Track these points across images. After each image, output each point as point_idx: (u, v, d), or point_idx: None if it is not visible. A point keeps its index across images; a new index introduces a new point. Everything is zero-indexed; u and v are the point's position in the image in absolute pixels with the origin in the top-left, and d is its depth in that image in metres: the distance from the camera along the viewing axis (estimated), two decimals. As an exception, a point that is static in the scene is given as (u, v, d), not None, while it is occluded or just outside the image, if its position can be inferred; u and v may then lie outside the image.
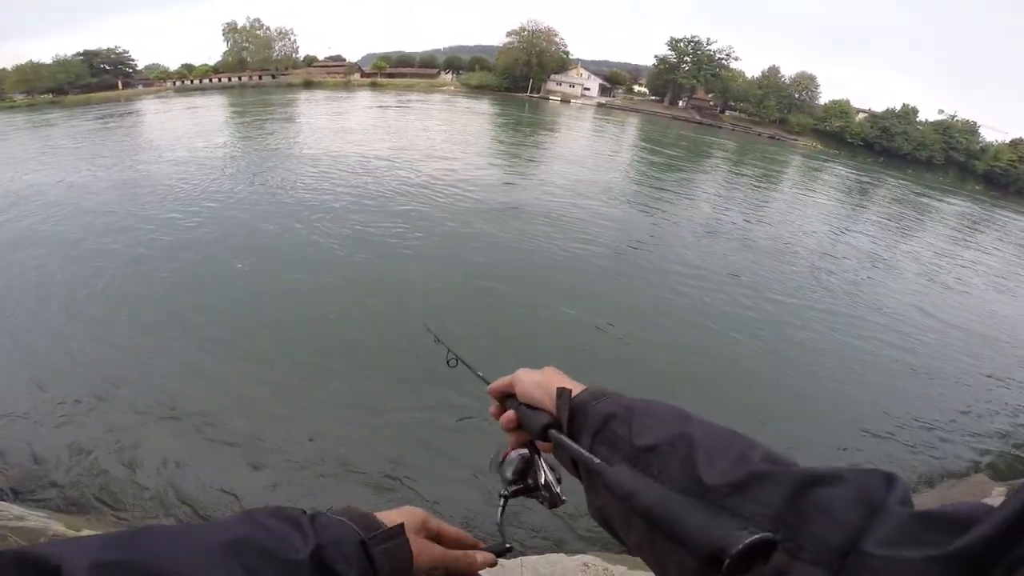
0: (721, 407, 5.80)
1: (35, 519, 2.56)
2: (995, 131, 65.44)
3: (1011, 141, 61.30)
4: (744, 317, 8.29)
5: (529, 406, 0.70)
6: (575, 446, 0.59)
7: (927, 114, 63.67)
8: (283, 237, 10.02)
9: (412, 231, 10.33)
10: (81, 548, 0.37)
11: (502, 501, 0.73)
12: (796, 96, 65.63)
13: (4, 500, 3.49)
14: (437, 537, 0.64)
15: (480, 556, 0.65)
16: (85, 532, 2.35)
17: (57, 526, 2.46)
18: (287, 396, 5.43)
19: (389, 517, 0.58)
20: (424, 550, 0.59)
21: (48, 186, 13.84)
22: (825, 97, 66.32)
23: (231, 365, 5.98)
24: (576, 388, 0.66)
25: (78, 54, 56.63)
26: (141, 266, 8.55)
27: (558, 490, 0.69)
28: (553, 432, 0.63)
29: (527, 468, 0.72)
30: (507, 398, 0.75)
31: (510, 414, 0.72)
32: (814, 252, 12.80)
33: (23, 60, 51.93)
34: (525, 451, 0.73)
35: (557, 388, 0.66)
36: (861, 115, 65.31)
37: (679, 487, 0.48)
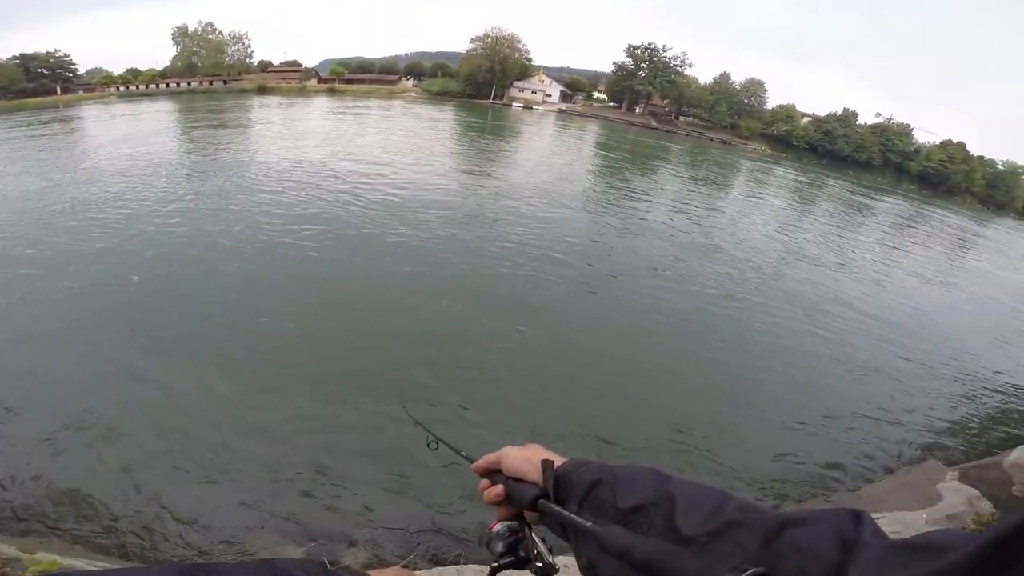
0: (665, 414, 6.02)
1: None
2: (927, 133, 70.14)
3: (941, 142, 65.97)
4: (691, 321, 8.56)
5: (516, 479, 0.74)
6: (566, 513, 0.63)
7: (866, 117, 67.50)
8: (194, 251, 9.63)
9: (350, 253, 10.03)
10: None
11: (490, 573, 0.75)
12: (746, 101, 68.52)
13: None
14: None
15: None
16: (40, 555, 2.43)
17: (9, 549, 2.47)
18: (244, 429, 5.23)
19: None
20: None
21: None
22: (773, 102, 69.55)
23: (181, 386, 5.78)
24: (558, 460, 0.73)
25: (13, 58, 53.40)
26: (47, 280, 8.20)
27: (551, 559, 0.70)
28: (543, 502, 0.68)
29: (517, 541, 0.74)
30: (493, 473, 0.79)
31: (498, 489, 0.75)
32: (755, 253, 13.42)
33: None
34: (513, 523, 0.75)
35: (542, 461, 0.72)
36: (806, 119, 68.77)
37: (663, 540, 0.52)
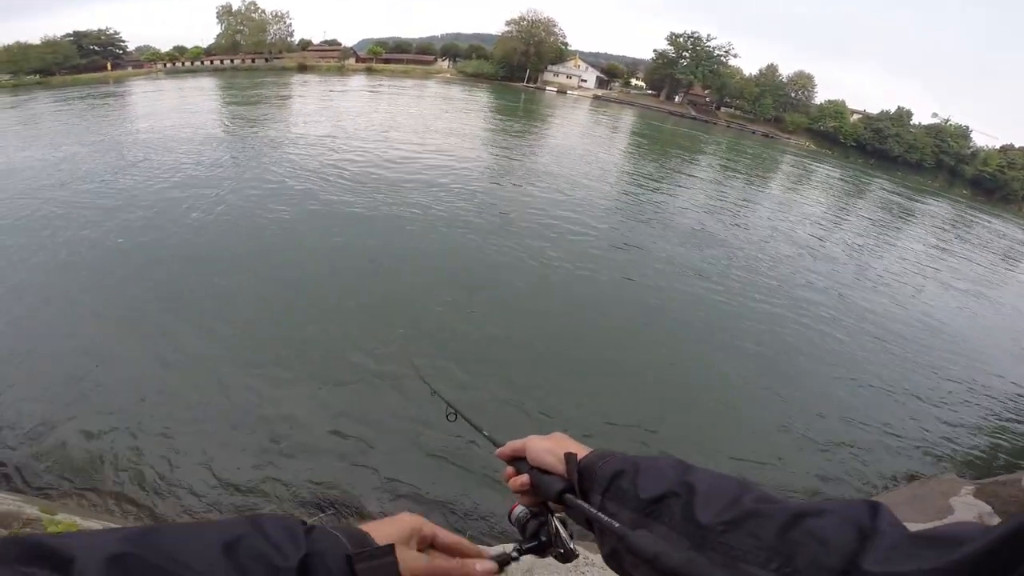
0: (680, 408, 6.00)
1: (9, 503, 2.67)
2: (987, 136, 65.85)
3: (1001, 147, 61.81)
4: (721, 322, 8.35)
5: (541, 470, 0.75)
6: (593, 511, 0.63)
7: (921, 117, 63.75)
8: (228, 224, 9.97)
9: (390, 228, 10.28)
10: (96, 541, 0.39)
11: (515, 554, 0.73)
12: (792, 95, 65.65)
13: None
14: (432, 545, 0.64)
15: (480, 565, 0.62)
16: (60, 516, 2.51)
17: (32, 510, 2.58)
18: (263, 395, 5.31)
19: (381, 528, 0.59)
20: (410, 562, 0.57)
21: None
22: (821, 97, 66.47)
23: (206, 354, 5.96)
24: (582, 451, 0.74)
25: (68, 35, 55.55)
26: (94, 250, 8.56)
27: (572, 546, 0.72)
28: (569, 497, 0.69)
29: (539, 526, 0.75)
30: (517, 460, 0.80)
31: (524, 478, 0.77)
32: (792, 252, 12.95)
33: (9, 41, 50.98)
34: (534, 508, 0.77)
35: (565, 453, 0.73)
36: (856, 116, 65.49)
37: (681, 530, 0.54)
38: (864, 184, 38.40)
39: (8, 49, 50.60)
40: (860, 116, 65.61)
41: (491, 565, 0.63)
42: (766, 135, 61.08)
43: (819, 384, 7.20)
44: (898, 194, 36.78)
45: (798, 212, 19.45)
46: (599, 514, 0.62)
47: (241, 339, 6.28)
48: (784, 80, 65.91)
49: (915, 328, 9.95)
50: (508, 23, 67.06)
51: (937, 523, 4.27)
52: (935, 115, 64.38)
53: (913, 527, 0.38)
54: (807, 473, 5.39)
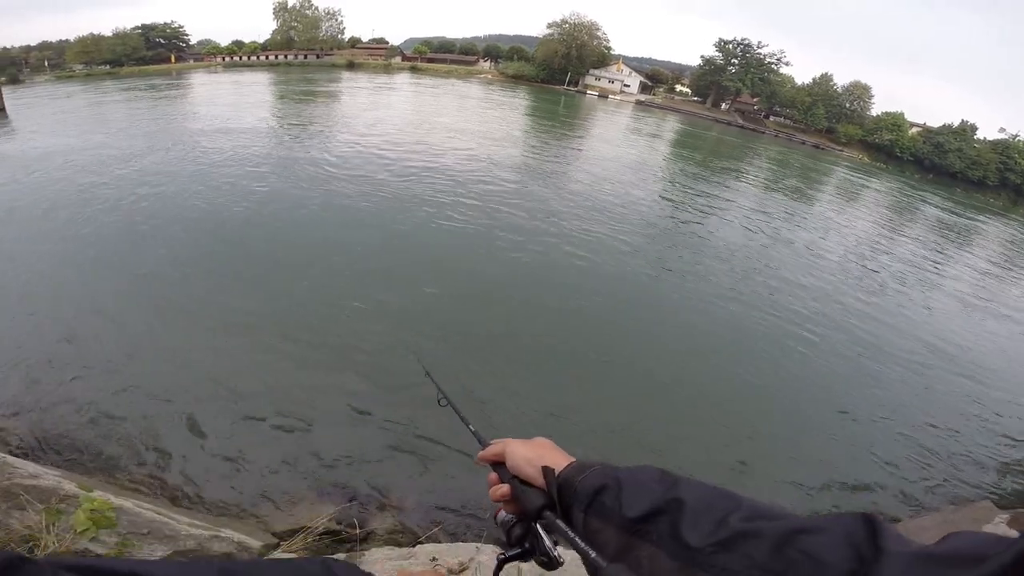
0: (711, 420, 5.86)
1: (49, 478, 2.81)
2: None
3: (1076, 167, 57.25)
4: (756, 341, 8.08)
5: (523, 481, 0.73)
6: (571, 534, 0.61)
7: (987, 132, 59.77)
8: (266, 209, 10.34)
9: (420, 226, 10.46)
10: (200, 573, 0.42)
11: (497, 564, 0.75)
12: (847, 106, 62.86)
13: (19, 457, 3.89)
14: None
15: None
16: (96, 493, 2.65)
17: (70, 485, 2.70)
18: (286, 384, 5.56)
19: None
20: None
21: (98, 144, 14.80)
22: (878, 109, 63.37)
23: (236, 343, 6.13)
24: (562, 461, 0.71)
25: (136, 28, 59.13)
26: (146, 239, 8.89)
27: (556, 554, 0.70)
28: (549, 515, 0.67)
29: (524, 533, 0.73)
30: (499, 466, 0.78)
31: (504, 489, 0.75)
32: (840, 266, 12.33)
33: (84, 32, 54.72)
34: (519, 514, 0.75)
35: (542, 467, 0.70)
36: (915, 129, 62.10)
37: (669, 550, 0.52)
38: (922, 200, 36.31)
39: (82, 41, 54.23)
40: (919, 129, 62.15)
41: None
42: (816, 146, 58.72)
43: (856, 400, 6.93)
44: (961, 214, 34.53)
45: (850, 229, 18.61)
46: (576, 539, 0.60)
47: (265, 322, 6.48)
48: (839, 90, 63.20)
49: (971, 350, 9.38)
50: (550, 26, 67.19)
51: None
52: (1003, 130, 60.36)
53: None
54: (835, 490, 5.25)
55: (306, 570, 0.52)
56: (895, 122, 60.45)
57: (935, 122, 62.29)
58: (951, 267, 16.80)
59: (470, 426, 0.98)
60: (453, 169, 14.92)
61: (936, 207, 34.42)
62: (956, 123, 59.77)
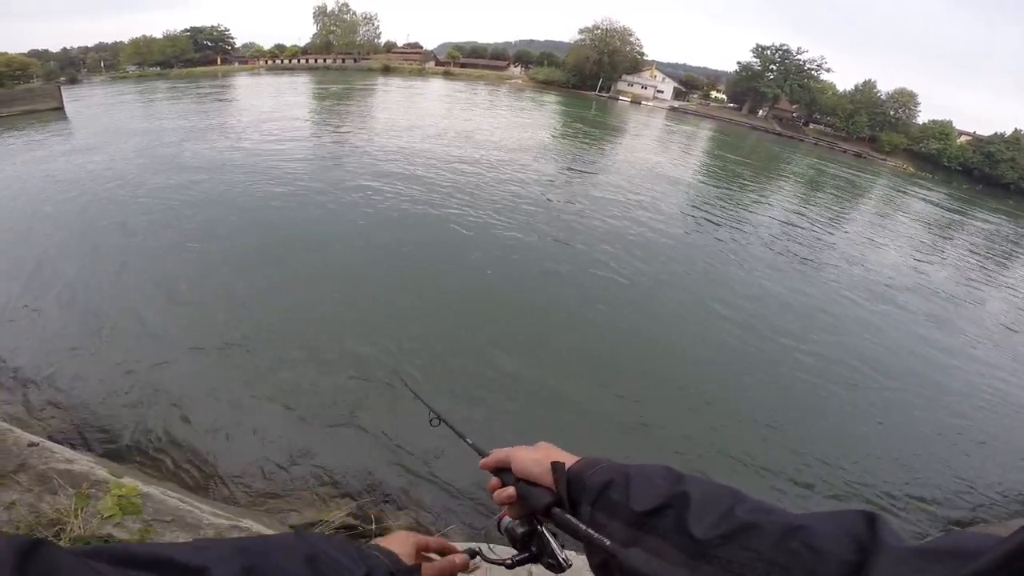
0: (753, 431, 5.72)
1: (83, 463, 2.89)
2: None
3: None
4: (787, 359, 7.73)
5: (528, 482, 0.74)
6: (583, 527, 0.62)
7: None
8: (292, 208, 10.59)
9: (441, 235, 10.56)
10: (223, 554, 0.48)
11: (506, 568, 0.76)
12: (891, 113, 60.37)
13: (55, 442, 4.05)
14: (426, 552, 0.75)
15: (458, 558, 0.77)
16: (126, 479, 2.71)
17: (102, 471, 2.76)
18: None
19: (392, 545, 0.71)
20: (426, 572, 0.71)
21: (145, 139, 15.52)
22: (924, 117, 60.65)
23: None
24: (570, 460, 0.72)
25: (185, 30, 61.97)
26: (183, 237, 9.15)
27: (563, 556, 0.71)
28: (557, 511, 0.67)
29: (530, 536, 0.74)
30: (502, 471, 0.79)
31: (510, 491, 0.75)
32: (886, 283, 11.80)
33: (135, 33, 57.73)
34: (523, 517, 0.76)
35: (552, 463, 0.71)
36: (963, 138, 59.11)
37: (676, 543, 0.53)
38: (977, 213, 34.43)
39: (135, 42, 57.02)
40: (969, 138, 59.12)
41: (463, 557, 0.78)
42: (858, 154, 56.54)
43: (902, 420, 6.67)
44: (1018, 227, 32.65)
45: (903, 241, 17.89)
46: (589, 531, 0.61)
47: (298, 324, 6.60)
48: (883, 97, 60.79)
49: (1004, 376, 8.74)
50: (581, 31, 66.78)
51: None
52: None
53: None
54: (844, 495, 5.13)
55: (312, 545, 0.58)
56: (942, 131, 57.73)
57: (986, 131, 59.18)
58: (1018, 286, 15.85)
59: (468, 439, 0.98)
60: (467, 172, 15.04)
61: (994, 221, 32.56)
62: (1009, 132, 56.60)
